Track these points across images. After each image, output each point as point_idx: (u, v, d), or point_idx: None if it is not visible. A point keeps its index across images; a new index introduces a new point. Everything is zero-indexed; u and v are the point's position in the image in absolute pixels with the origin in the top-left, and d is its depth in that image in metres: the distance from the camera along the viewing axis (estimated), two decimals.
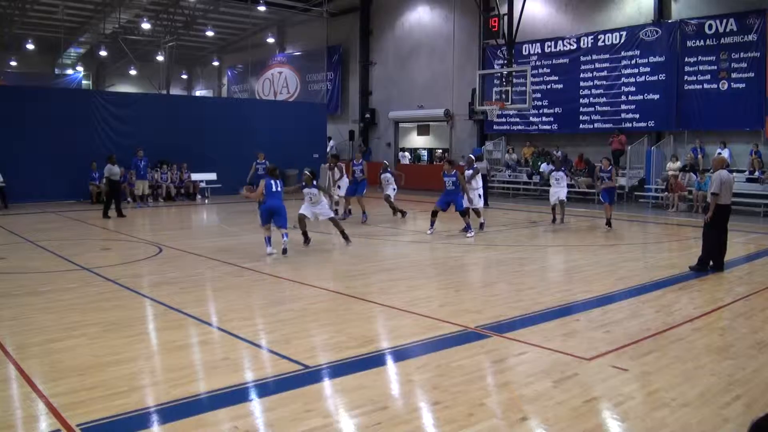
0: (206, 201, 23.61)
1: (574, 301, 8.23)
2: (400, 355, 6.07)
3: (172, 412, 4.72)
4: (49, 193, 21.39)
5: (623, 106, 23.42)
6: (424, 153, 35.25)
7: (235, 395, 4.99)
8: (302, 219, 12.33)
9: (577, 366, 5.66)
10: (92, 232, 15.14)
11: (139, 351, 6.14)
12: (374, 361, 5.87)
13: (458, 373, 5.48)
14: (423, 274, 10.21)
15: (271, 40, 37.24)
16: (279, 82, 37.91)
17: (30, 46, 35.10)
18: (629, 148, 22.68)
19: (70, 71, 40.81)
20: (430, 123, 32.34)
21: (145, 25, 33.39)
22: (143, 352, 6.13)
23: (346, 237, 12.62)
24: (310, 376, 5.44)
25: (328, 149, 29.78)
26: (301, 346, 6.22)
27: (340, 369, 5.61)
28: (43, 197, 21.03)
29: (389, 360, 5.97)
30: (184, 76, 46.32)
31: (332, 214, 13.07)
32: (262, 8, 32.27)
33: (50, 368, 5.63)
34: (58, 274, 9.97)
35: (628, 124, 23.32)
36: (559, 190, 16.17)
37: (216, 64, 43.22)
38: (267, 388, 5.20)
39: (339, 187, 17.14)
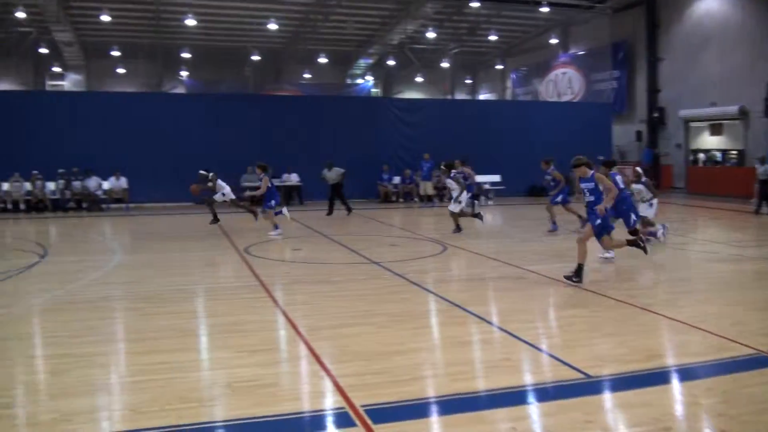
0: (490, 202, 23.96)
1: None
2: (686, 374, 5.60)
3: (451, 405, 4.86)
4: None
5: None
6: (718, 155, 32.18)
7: (514, 396, 5.00)
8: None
9: None
10: (381, 229, 16.16)
11: (423, 343, 6.43)
12: (658, 377, 5.49)
13: (747, 401, 4.92)
14: (713, 287, 9.34)
15: (554, 40, 36.73)
16: (563, 82, 37.24)
17: (323, 60, 38.44)
18: None
19: (360, 81, 44.00)
20: (723, 122, 29.45)
21: (430, 34, 34.80)
22: (426, 345, 6.41)
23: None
24: (591, 386, 5.25)
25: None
26: (583, 354, 6.03)
27: (622, 382, 5.34)
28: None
29: (674, 378, 5.55)
30: (469, 81, 47.47)
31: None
32: (545, 9, 31.95)
33: (339, 351, 6.11)
34: (349, 266, 10.82)
35: None
36: None
37: (500, 67, 43.68)
38: (546, 393, 5.12)
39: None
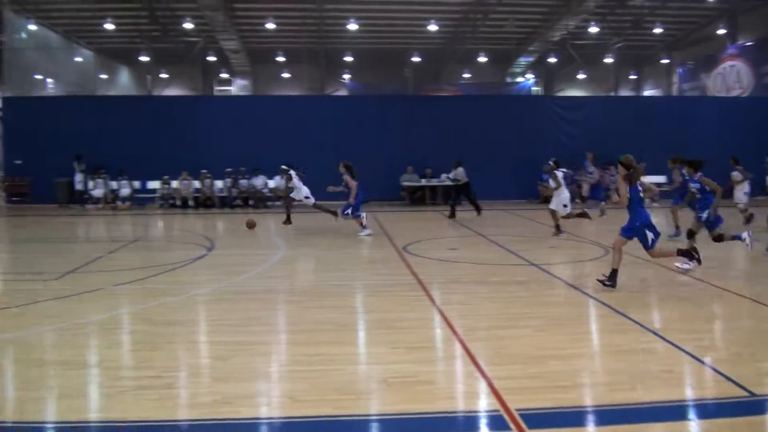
0: (655, 204, 22.87)
1: None
2: None
3: (608, 415, 4.77)
4: (501, 192, 23.17)
5: None
6: None
7: (673, 411, 4.82)
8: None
9: None
10: (540, 230, 15.89)
11: (582, 349, 6.34)
12: None
13: None
14: None
15: (721, 31, 34.40)
16: (731, 76, 34.74)
17: (482, 59, 38.26)
18: None
19: (520, 79, 43.38)
20: None
21: (593, 29, 33.72)
22: (585, 351, 6.32)
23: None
24: (755, 405, 4.94)
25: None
26: (749, 369, 5.65)
27: None
28: (497, 196, 22.82)
29: None
30: (633, 77, 45.49)
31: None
32: None
33: (494, 353, 6.14)
34: (507, 267, 10.77)
35: None
36: None
37: (665, 61, 41.49)
38: (707, 409, 4.89)
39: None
